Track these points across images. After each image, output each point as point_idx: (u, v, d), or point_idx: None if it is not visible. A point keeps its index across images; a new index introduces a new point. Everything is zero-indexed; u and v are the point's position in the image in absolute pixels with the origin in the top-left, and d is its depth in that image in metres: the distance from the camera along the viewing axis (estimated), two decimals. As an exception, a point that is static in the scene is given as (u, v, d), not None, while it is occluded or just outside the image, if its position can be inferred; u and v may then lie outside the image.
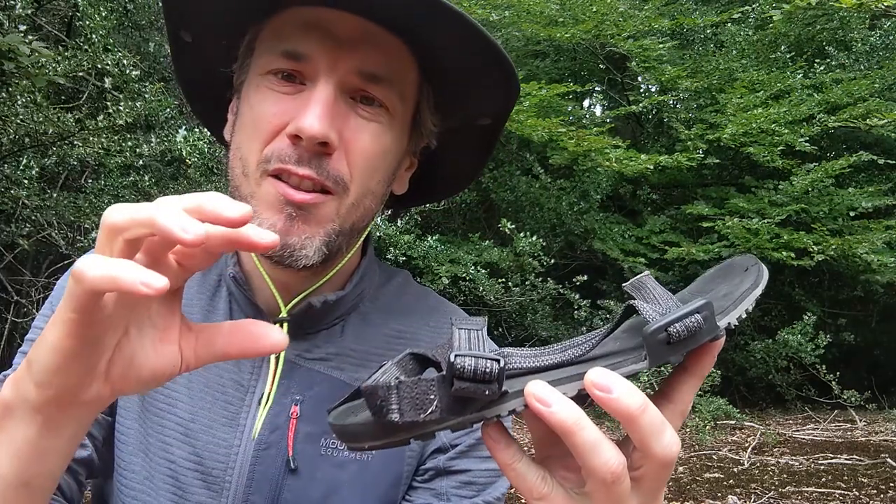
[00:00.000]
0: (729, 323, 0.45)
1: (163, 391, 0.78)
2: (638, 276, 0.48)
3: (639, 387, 0.44)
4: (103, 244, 0.45)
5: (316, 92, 0.69)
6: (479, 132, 0.84)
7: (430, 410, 0.42)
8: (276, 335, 0.50)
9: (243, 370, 0.78)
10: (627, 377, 0.43)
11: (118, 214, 0.44)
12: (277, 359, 0.78)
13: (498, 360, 0.42)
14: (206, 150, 3.61)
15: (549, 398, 0.42)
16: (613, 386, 0.42)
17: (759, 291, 0.48)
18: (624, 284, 0.49)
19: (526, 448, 0.48)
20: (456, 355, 0.42)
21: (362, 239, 0.83)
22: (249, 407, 0.77)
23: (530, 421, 0.49)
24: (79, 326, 0.44)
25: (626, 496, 0.45)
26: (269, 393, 0.77)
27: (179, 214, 0.42)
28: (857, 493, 4.56)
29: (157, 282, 0.40)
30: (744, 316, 0.46)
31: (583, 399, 0.44)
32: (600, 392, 0.42)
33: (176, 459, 0.75)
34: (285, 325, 0.78)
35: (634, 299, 0.46)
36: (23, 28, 3.07)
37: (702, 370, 0.48)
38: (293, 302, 0.79)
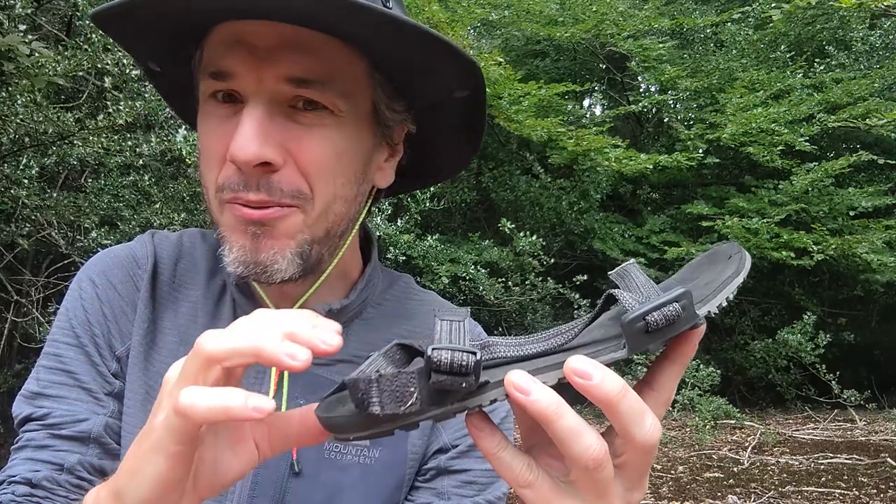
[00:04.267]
0: (709, 311, 0.45)
1: None
2: (623, 265, 0.49)
3: (629, 382, 0.45)
4: (197, 373, 0.45)
5: (245, 113, 0.67)
6: (462, 106, 0.79)
7: (409, 403, 0.43)
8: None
9: (248, 375, 0.77)
10: (608, 365, 0.44)
11: (216, 344, 0.45)
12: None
13: (474, 353, 0.42)
14: (205, 149, 3.60)
15: (528, 387, 0.43)
16: (593, 373, 0.43)
17: (740, 280, 0.48)
18: (609, 272, 0.49)
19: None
20: (433, 349, 0.42)
21: (352, 238, 0.81)
22: None
23: (516, 412, 0.50)
24: (185, 458, 0.45)
25: (610, 482, 0.45)
26: (272, 397, 0.77)
27: (282, 342, 0.43)
28: (857, 493, 4.56)
29: (268, 404, 0.42)
30: (724, 304, 0.46)
31: (565, 388, 0.44)
32: (580, 379, 0.43)
33: None
34: None
35: (618, 287, 0.47)
36: (22, 28, 3.06)
37: (683, 358, 0.49)
38: (295, 308, 0.79)
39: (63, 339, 0.79)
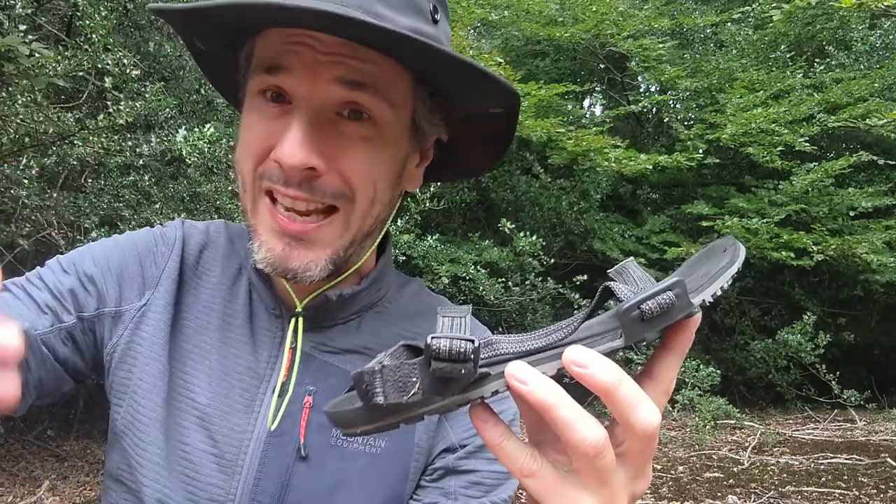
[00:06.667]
0: (703, 300, 0.46)
1: (184, 377, 0.81)
2: (622, 262, 0.50)
3: (630, 373, 0.45)
4: None
5: (295, 117, 0.69)
6: (493, 121, 0.83)
7: (412, 392, 0.44)
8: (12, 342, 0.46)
9: (260, 360, 0.81)
10: (605, 354, 0.45)
11: None
12: (293, 350, 0.80)
13: (472, 340, 0.43)
14: (206, 149, 3.59)
15: (526, 377, 0.44)
16: (590, 362, 0.43)
17: (734, 269, 0.48)
18: (609, 270, 0.51)
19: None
20: (432, 337, 0.43)
21: (380, 237, 0.84)
22: (264, 395, 0.79)
23: (520, 408, 0.51)
24: None
25: (612, 470, 0.46)
26: (283, 382, 0.79)
27: None
28: (856, 493, 4.56)
29: None
30: (718, 293, 0.47)
31: (568, 386, 0.45)
32: (578, 368, 0.43)
33: (192, 442, 0.78)
34: (300, 319, 0.81)
35: (614, 281, 0.48)
36: (23, 28, 3.06)
37: (680, 347, 0.49)
38: (308, 297, 0.82)
39: (55, 266, 0.85)
